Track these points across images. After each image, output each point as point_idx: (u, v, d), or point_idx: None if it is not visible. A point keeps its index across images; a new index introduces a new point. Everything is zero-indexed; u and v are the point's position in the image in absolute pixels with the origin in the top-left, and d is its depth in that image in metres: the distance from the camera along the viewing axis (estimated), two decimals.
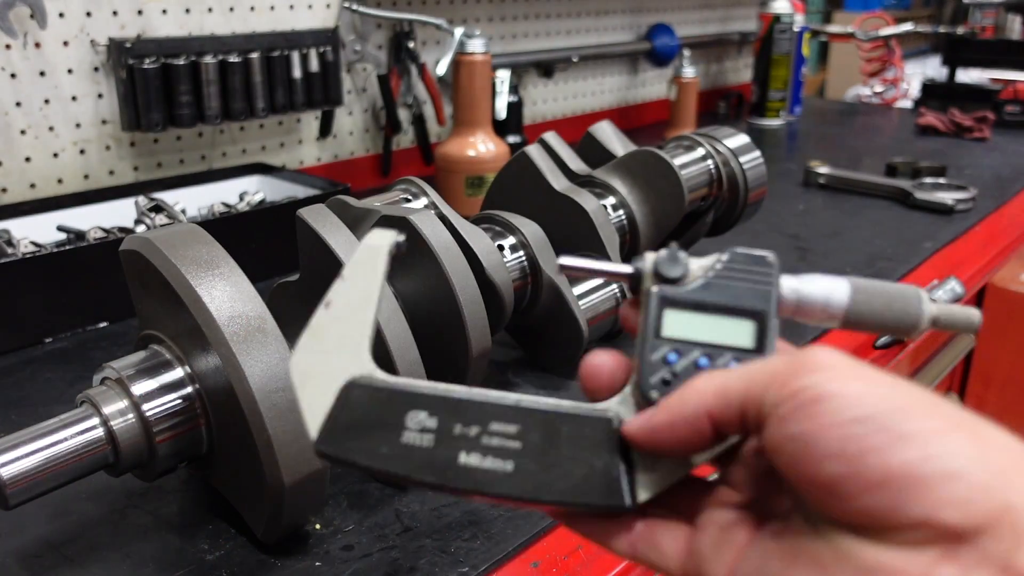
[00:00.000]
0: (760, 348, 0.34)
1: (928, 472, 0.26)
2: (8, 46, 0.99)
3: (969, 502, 0.25)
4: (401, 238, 0.36)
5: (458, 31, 1.21)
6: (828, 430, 0.27)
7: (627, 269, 0.36)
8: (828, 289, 0.36)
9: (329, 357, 0.34)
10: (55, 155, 1.05)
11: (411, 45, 1.37)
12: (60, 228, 0.97)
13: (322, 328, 0.35)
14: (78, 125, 1.07)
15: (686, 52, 1.78)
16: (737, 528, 0.32)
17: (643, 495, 0.33)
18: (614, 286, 0.80)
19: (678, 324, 0.34)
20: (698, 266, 0.35)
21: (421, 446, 0.33)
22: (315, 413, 0.34)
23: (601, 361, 0.35)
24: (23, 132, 1.02)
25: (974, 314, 0.38)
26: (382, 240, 0.36)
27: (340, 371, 0.34)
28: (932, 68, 2.62)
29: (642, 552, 0.34)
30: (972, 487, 0.25)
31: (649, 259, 0.35)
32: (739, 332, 0.34)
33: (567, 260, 0.37)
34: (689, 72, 1.73)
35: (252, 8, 1.20)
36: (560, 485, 0.33)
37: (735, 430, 0.31)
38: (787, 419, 0.28)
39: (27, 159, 1.03)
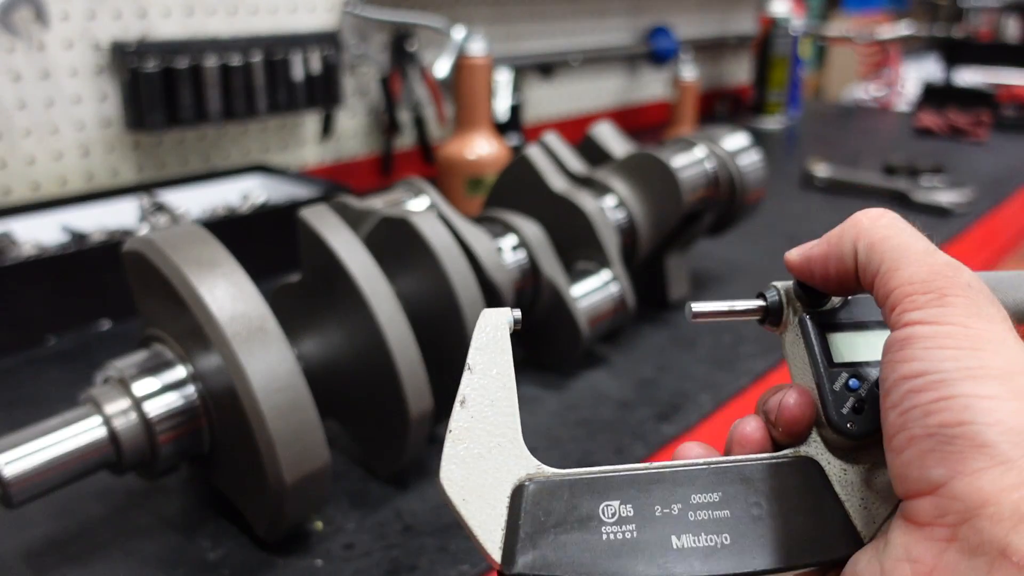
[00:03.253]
0: None
1: (958, 436, 0.25)
2: (12, 48, 0.99)
3: (983, 474, 0.24)
4: (517, 313, 0.33)
5: (459, 33, 1.22)
6: (900, 381, 0.27)
7: (762, 303, 0.34)
8: None
9: (484, 462, 0.30)
10: (59, 156, 1.06)
11: (412, 47, 1.38)
12: (64, 229, 0.98)
13: (466, 431, 0.31)
14: (82, 126, 1.07)
15: (685, 54, 1.79)
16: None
17: (866, 536, 0.30)
18: (613, 288, 0.81)
19: (847, 346, 0.32)
20: None
21: (626, 539, 0.29)
22: (489, 530, 0.29)
23: (793, 400, 0.32)
24: (27, 134, 1.03)
25: None
26: (498, 318, 0.33)
27: (502, 474, 0.30)
28: (930, 70, 2.62)
29: None
30: (994, 459, 0.24)
31: (782, 287, 0.34)
32: None
33: (700, 307, 0.34)
34: (688, 74, 1.74)
35: (254, 11, 1.21)
36: (786, 547, 0.30)
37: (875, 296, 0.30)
38: (885, 357, 0.28)
39: (31, 160, 1.04)
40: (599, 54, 1.82)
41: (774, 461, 0.32)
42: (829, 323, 0.33)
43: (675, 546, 0.29)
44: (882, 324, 0.32)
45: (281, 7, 1.24)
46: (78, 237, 0.96)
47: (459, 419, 0.31)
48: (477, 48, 1.21)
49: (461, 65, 1.21)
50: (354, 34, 1.33)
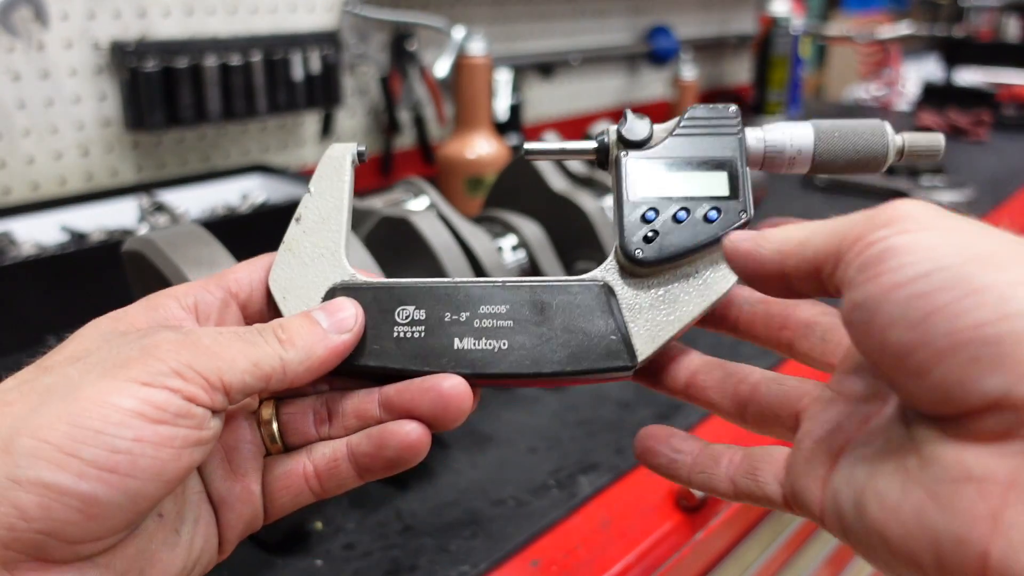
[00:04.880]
0: (735, 194, 0.34)
1: (1004, 333, 0.20)
2: (11, 48, 0.99)
3: None
4: (362, 147, 0.37)
5: (459, 33, 1.22)
6: (891, 291, 0.22)
7: (591, 144, 0.37)
8: (792, 133, 0.35)
9: (307, 269, 0.35)
10: (58, 156, 1.06)
11: (412, 47, 1.38)
12: (63, 228, 0.98)
13: (296, 242, 0.36)
14: (81, 126, 1.07)
15: (685, 54, 1.79)
16: (834, 437, 0.28)
17: (643, 353, 0.33)
18: None
19: (650, 184, 0.35)
20: (662, 128, 0.36)
21: (413, 338, 0.33)
22: None
23: None
24: (26, 133, 1.03)
25: (937, 137, 0.37)
26: (343, 150, 0.37)
27: (320, 279, 0.35)
28: (930, 70, 2.63)
29: (743, 486, 0.31)
30: None
31: (612, 129, 0.36)
32: (712, 182, 0.34)
33: (533, 145, 0.37)
34: (688, 73, 1.73)
35: (254, 10, 1.21)
36: (558, 355, 0.33)
37: (810, 288, 0.27)
38: (852, 283, 0.24)
39: (30, 160, 1.04)
40: (599, 54, 1.82)
41: (566, 282, 0.34)
42: (642, 161, 0.35)
43: (456, 347, 0.33)
44: (697, 166, 0.35)
45: (281, 6, 1.24)
46: (77, 237, 0.96)
47: (292, 233, 0.36)
48: (477, 48, 1.21)
49: (461, 65, 1.21)
50: (354, 34, 1.33)
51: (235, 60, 1.12)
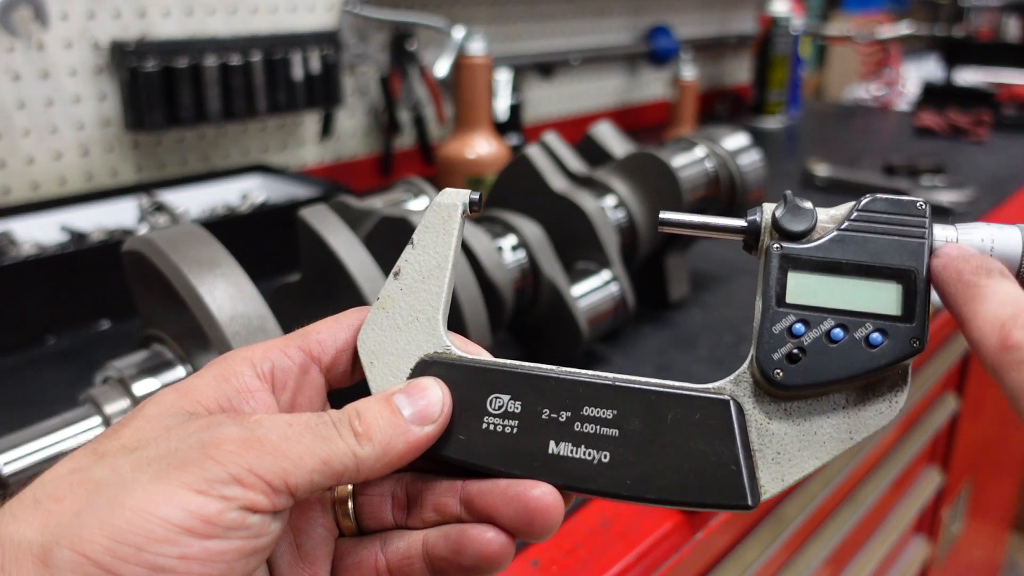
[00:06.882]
0: (909, 315, 0.28)
1: None
2: (11, 48, 0.99)
3: None
4: (476, 195, 0.32)
5: (459, 33, 1.22)
6: None
7: (739, 223, 0.31)
8: (995, 237, 0.29)
9: (399, 333, 0.31)
10: (58, 156, 1.06)
11: (412, 47, 1.38)
12: (63, 228, 0.98)
13: (391, 300, 0.31)
14: (81, 126, 1.07)
15: (685, 54, 1.79)
16: None
17: (768, 492, 0.29)
18: (613, 288, 0.81)
19: (805, 288, 0.29)
20: (828, 217, 0.30)
21: (504, 433, 0.29)
22: None
23: None
24: (26, 133, 1.03)
25: None
26: (455, 198, 0.32)
27: (412, 347, 0.31)
28: (930, 70, 2.63)
29: None
30: None
31: (767, 210, 0.30)
32: (881, 296, 0.28)
33: (669, 215, 0.31)
34: (688, 73, 1.73)
35: (254, 10, 1.21)
36: (666, 480, 0.28)
37: None
38: None
39: (30, 160, 1.04)
40: (599, 54, 1.82)
41: (689, 392, 0.29)
42: (797, 259, 0.29)
43: (550, 451, 0.29)
44: (865, 273, 0.29)
45: (281, 6, 1.24)
46: (77, 237, 0.96)
47: (389, 289, 0.32)
48: (477, 48, 1.20)
49: (461, 65, 1.21)
50: (354, 34, 1.33)
51: (235, 60, 1.12)
